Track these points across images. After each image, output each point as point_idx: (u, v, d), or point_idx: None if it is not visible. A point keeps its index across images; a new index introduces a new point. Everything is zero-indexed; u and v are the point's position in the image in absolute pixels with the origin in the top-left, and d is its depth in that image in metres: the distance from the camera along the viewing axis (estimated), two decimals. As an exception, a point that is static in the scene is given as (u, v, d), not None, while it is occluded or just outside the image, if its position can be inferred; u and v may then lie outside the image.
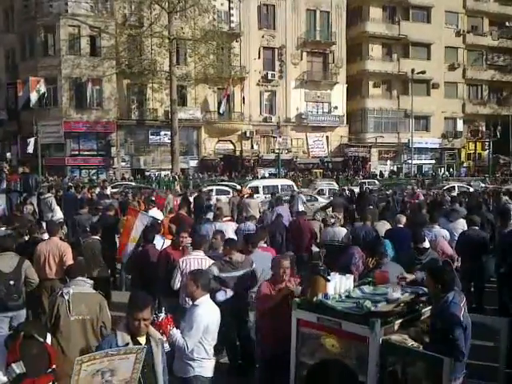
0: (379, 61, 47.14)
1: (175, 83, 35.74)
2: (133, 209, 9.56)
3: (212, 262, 6.60)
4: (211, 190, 22.36)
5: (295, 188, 23.52)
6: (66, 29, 36.26)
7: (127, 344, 3.38)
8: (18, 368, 2.63)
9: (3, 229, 8.92)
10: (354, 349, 4.36)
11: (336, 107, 46.14)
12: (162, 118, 39.19)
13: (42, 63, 36.33)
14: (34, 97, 34.76)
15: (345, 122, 46.79)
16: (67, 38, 36.40)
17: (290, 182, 26.06)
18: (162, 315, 4.40)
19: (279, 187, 24.19)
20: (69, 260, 7.00)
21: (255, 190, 22.69)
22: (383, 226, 9.85)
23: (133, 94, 39.66)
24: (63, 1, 36.08)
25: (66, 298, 4.60)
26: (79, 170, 37.47)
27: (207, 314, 4.66)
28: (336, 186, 28.20)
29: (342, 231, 9.25)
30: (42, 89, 35.03)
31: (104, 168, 38.05)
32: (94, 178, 35.07)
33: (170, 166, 36.33)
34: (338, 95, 46.23)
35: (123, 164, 39.05)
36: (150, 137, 39.67)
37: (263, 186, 24.91)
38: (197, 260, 6.48)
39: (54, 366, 2.72)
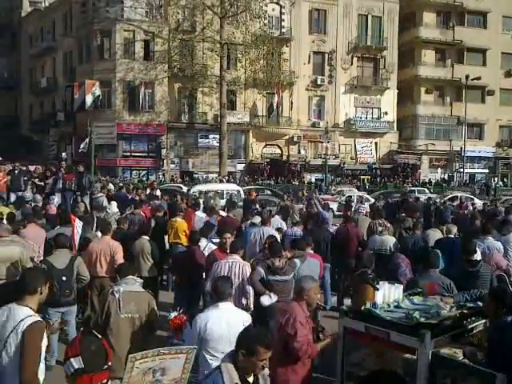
0: (432, 66, 46.13)
1: (225, 87, 36.18)
2: (190, 210, 9.72)
3: (246, 265, 6.60)
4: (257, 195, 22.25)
5: (242, 194, 21.61)
6: (121, 33, 37.32)
7: None
8: (76, 363, 2.71)
9: (58, 226, 9.24)
10: (402, 360, 4.26)
11: (386, 113, 45.45)
12: (211, 122, 39.71)
13: (97, 67, 37.54)
14: (89, 99, 35.83)
15: (395, 128, 46.00)
16: (122, 42, 37.44)
17: (237, 188, 23.93)
18: (173, 313, 4.45)
19: (224, 193, 21.88)
20: (119, 259, 7.17)
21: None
22: (434, 236, 9.62)
23: (183, 97, 40.36)
24: (119, 6, 37.12)
25: (117, 296, 4.71)
26: (130, 170, 38.43)
27: (204, 321, 4.56)
28: (358, 193, 27.74)
29: (389, 240, 9.07)
30: (97, 91, 36.06)
31: (154, 169, 38.86)
32: (144, 179, 35.84)
33: (218, 169, 36.75)
34: (389, 101, 45.51)
35: (172, 166, 39.77)
36: (199, 140, 40.24)
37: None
38: (228, 264, 6.46)
39: (110, 363, 2.79)
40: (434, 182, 42.72)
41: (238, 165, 41.52)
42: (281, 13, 42.15)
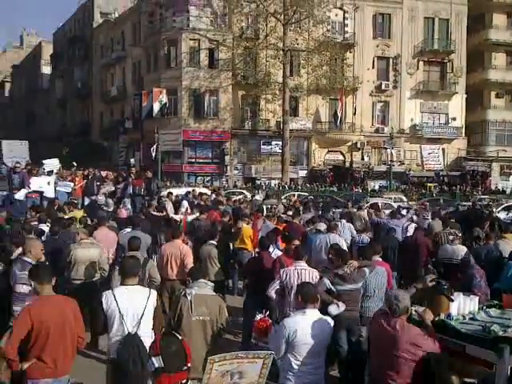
0: (503, 70, 44.20)
1: (288, 94, 36.31)
2: (256, 215, 9.84)
3: (314, 272, 6.57)
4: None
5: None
6: (187, 42, 38.32)
7: None
8: (157, 362, 2.83)
9: (129, 229, 9.61)
10: (478, 375, 4.13)
11: (454, 118, 43.97)
12: (274, 128, 39.92)
13: (164, 75, 38.71)
14: (156, 107, 37.16)
15: (463, 133, 44.41)
16: (188, 50, 38.42)
17: (204, 190, 23.00)
18: (259, 316, 4.49)
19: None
20: (190, 263, 7.37)
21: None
22: (504, 246, 9.20)
23: (247, 104, 40.84)
24: (185, 16, 38.14)
25: (189, 298, 4.84)
26: (195, 176, 39.24)
27: (293, 327, 4.61)
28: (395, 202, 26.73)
29: (461, 249, 8.77)
30: (164, 99, 37.31)
31: (218, 175, 39.51)
32: (208, 184, 36.49)
33: (280, 176, 36.86)
34: (457, 106, 44.01)
35: (235, 172, 40.29)
36: (262, 146, 40.54)
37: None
38: (297, 270, 6.45)
39: (189, 365, 2.89)
40: (506, 190, 40.76)
41: (301, 171, 41.47)
42: (344, 18, 41.86)
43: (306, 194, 28.73)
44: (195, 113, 38.97)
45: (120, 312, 4.77)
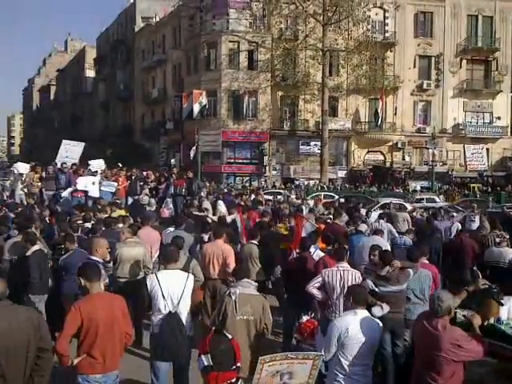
0: (551, 67, 42.68)
1: (327, 94, 36.09)
2: (300, 216, 9.84)
3: (357, 273, 6.52)
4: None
5: None
6: (226, 44, 38.62)
7: None
8: (206, 360, 2.88)
9: (172, 229, 9.76)
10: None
11: (499, 117, 42.76)
12: (313, 129, 39.76)
13: (204, 77, 39.13)
14: (196, 108, 37.63)
15: (508, 133, 43.07)
16: (227, 52, 38.71)
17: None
18: (305, 317, 4.47)
19: None
20: (232, 262, 7.42)
21: None
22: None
23: (285, 105, 40.82)
24: (225, 18, 38.46)
25: (233, 297, 4.90)
26: (234, 176, 39.50)
27: (345, 327, 4.62)
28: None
29: (509, 252, 8.53)
30: (204, 101, 37.74)
31: (256, 176, 39.63)
32: (247, 185, 36.66)
33: (319, 176, 36.67)
34: (502, 105, 42.79)
35: (274, 172, 40.33)
36: (301, 147, 40.45)
37: None
38: (339, 272, 6.41)
39: (238, 364, 2.92)
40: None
41: (340, 172, 41.16)
42: (384, 17, 41.35)
43: (333, 194, 28.45)
44: (234, 114, 39.23)
45: (162, 293, 5.25)
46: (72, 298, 7.70)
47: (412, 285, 6.54)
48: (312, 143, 39.94)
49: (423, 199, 28.24)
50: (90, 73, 69.87)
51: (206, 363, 2.86)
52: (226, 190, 25.19)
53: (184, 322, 5.22)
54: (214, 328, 3.23)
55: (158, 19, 49.38)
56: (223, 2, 38.23)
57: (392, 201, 20.17)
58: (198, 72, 40.08)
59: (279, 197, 25.13)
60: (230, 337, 3.02)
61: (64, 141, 17.63)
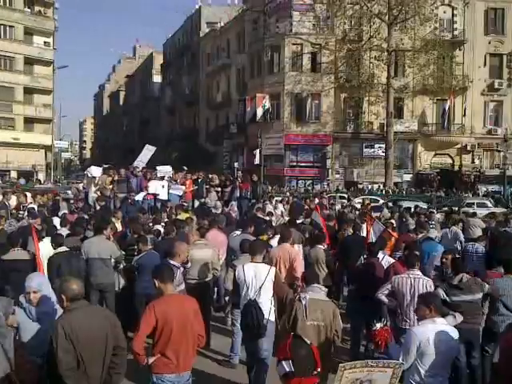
0: None
1: (392, 95, 35.34)
2: (370, 217, 9.69)
3: (428, 281, 6.32)
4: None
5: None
6: (289, 47, 38.69)
7: None
8: (287, 366, 2.90)
9: (238, 232, 9.88)
10: None
11: None
12: (377, 131, 39.06)
13: (267, 80, 39.37)
14: (259, 112, 37.94)
15: None
16: (290, 55, 38.77)
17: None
18: (379, 325, 4.39)
19: None
20: (299, 266, 7.42)
21: None
22: None
23: (349, 107, 40.36)
24: (288, 21, 38.55)
25: (303, 302, 4.90)
26: (296, 180, 39.45)
27: (425, 336, 4.49)
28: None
29: None
30: (267, 104, 38.00)
31: (319, 179, 39.37)
32: (309, 188, 36.51)
33: (383, 180, 35.95)
34: None
35: (337, 176, 39.92)
36: (365, 150, 39.85)
37: None
38: (410, 279, 6.22)
39: (318, 369, 2.94)
40: None
41: (405, 175, 40.20)
42: (453, 15, 40.07)
43: (379, 198, 27.61)
44: (297, 117, 39.21)
45: (246, 282, 5.91)
46: (143, 298, 8.00)
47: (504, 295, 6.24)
48: (376, 146, 39.25)
49: (473, 204, 26.91)
50: (157, 78, 72.06)
51: (287, 369, 2.87)
52: (288, 194, 25.19)
53: (263, 311, 5.78)
54: (292, 333, 3.25)
55: (222, 24, 50.21)
56: (287, 5, 38.35)
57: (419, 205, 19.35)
58: (261, 75, 40.39)
59: (343, 200, 24.88)
60: (308, 342, 3.03)
61: (147, 145, 18.21)
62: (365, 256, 7.79)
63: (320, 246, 8.85)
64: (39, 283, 4.69)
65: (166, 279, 4.66)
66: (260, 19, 41.23)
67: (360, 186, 37.94)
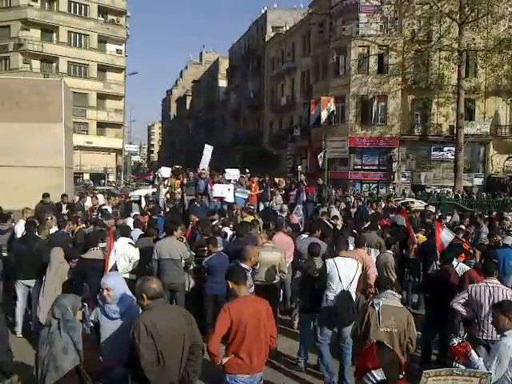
0: None
1: (463, 97, 34.07)
2: (439, 224, 9.44)
3: (508, 290, 6.03)
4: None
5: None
6: (356, 49, 38.21)
7: None
8: (378, 375, 2.88)
9: (305, 236, 9.88)
10: None
11: None
12: (446, 134, 37.82)
13: (332, 83, 39.06)
14: (324, 115, 37.69)
15: None
16: (357, 57, 38.28)
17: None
18: (455, 340, 4.25)
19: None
20: (372, 273, 7.32)
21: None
22: None
23: (417, 109, 39.30)
24: (355, 23, 38.09)
25: (377, 309, 4.84)
26: (360, 183, 38.85)
27: None
28: None
29: None
30: (332, 107, 37.68)
31: (384, 183, 38.59)
32: (374, 192, 35.85)
33: (452, 184, 34.71)
34: None
35: (403, 179, 38.96)
36: (433, 152, 38.67)
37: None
38: (489, 288, 5.98)
39: (403, 373, 2.91)
40: None
41: (476, 179, 38.65)
42: (528, 12, 38.01)
43: (421, 201, 26.12)
44: (362, 119, 38.62)
45: (339, 275, 6.47)
46: (212, 299, 8.19)
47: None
48: (445, 149, 37.99)
49: None
50: (223, 83, 73.30)
51: (379, 378, 2.85)
52: (353, 198, 24.81)
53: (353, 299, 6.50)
54: (375, 341, 3.22)
55: (287, 28, 50.34)
56: (353, 7, 37.91)
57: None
58: (326, 78, 40.14)
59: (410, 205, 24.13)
60: (390, 347, 3.00)
61: (206, 145, 18.55)
62: (437, 263, 7.56)
63: (389, 252, 8.68)
64: (114, 282, 4.83)
65: (239, 281, 4.74)
66: (326, 22, 41.00)
67: (428, 190, 36.80)
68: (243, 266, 6.68)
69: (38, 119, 13.49)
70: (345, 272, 6.49)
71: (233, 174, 17.15)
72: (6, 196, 11.97)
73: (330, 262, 6.62)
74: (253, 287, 7.15)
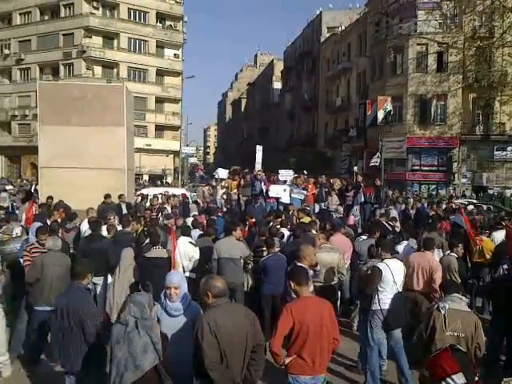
0: None
1: (528, 94, 32.65)
2: (507, 225, 9.11)
3: None
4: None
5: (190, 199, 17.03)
6: (414, 48, 37.35)
7: None
8: (459, 379, 2.83)
9: (364, 237, 9.77)
10: None
11: None
12: (510, 133, 36.33)
13: (389, 83, 38.35)
14: (380, 115, 37.03)
15: None
16: (415, 56, 37.40)
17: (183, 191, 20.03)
18: None
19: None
20: (438, 278, 7.12)
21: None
22: None
23: (478, 108, 37.93)
24: (413, 21, 37.23)
25: (443, 312, 4.71)
26: (419, 184, 37.91)
27: None
28: None
29: None
30: (389, 107, 36.96)
31: (443, 184, 37.49)
32: (434, 193, 34.87)
33: (517, 184, 33.33)
34: None
35: (464, 180, 37.68)
36: (495, 152, 37.20)
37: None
38: None
39: (478, 375, 2.85)
40: None
41: (542, 180, 36.86)
42: None
43: (479, 203, 24.56)
44: (421, 119, 37.69)
45: (393, 277, 6.50)
46: (269, 299, 8.23)
47: None
48: (509, 148, 36.57)
49: None
50: (277, 85, 73.48)
51: (460, 382, 2.79)
52: (411, 199, 24.22)
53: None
54: (448, 345, 3.14)
55: (343, 28, 49.87)
56: (411, 5, 37.06)
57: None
58: (383, 78, 39.46)
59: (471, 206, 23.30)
60: (464, 350, 2.93)
61: (258, 146, 18.80)
62: (505, 266, 7.28)
63: (453, 254, 8.44)
64: (180, 280, 4.90)
65: (301, 281, 4.73)
66: (382, 21, 40.31)
67: (490, 192, 35.42)
68: (302, 265, 6.67)
69: (102, 123, 14.00)
70: (397, 274, 6.54)
71: (287, 174, 17.16)
72: (71, 196, 12.51)
73: (382, 266, 6.56)
74: (312, 287, 7.13)
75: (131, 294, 5.17)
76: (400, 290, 6.54)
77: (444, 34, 36.82)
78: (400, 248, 9.62)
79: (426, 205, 16.91)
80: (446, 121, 37.16)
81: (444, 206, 16.84)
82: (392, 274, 6.49)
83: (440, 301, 4.98)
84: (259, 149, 19.03)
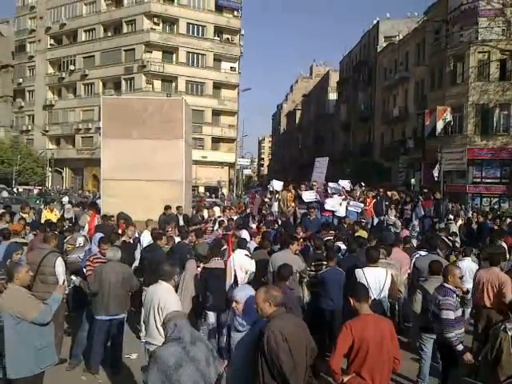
0: None
1: None
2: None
3: None
4: None
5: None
6: (475, 56, 36.23)
7: None
8: None
9: (423, 253, 9.53)
10: None
11: None
12: None
13: (449, 92, 37.31)
14: (439, 125, 36.09)
15: None
16: (476, 64, 36.26)
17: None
18: None
19: None
20: (508, 292, 6.88)
21: None
22: None
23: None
24: (474, 29, 36.14)
25: (510, 334, 4.52)
26: (480, 197, 36.54)
27: None
28: None
29: None
30: (448, 117, 35.97)
31: (507, 197, 35.93)
32: (496, 207, 33.49)
33: None
34: None
35: (530, 193, 35.99)
36: None
37: None
38: None
39: None
40: None
41: None
42: None
43: None
44: (482, 129, 36.36)
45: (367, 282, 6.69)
46: (328, 314, 8.15)
47: None
48: None
49: None
50: (333, 96, 73.08)
51: None
52: (474, 214, 23.40)
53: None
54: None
55: (400, 37, 49.07)
56: (472, 12, 36.00)
57: None
58: (442, 87, 38.45)
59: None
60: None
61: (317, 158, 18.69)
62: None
63: (495, 268, 8.05)
64: (244, 295, 4.72)
65: (361, 298, 4.67)
66: (442, 29, 39.32)
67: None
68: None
69: (162, 136, 14.37)
70: (373, 281, 6.98)
71: (342, 184, 16.85)
72: (133, 208, 12.87)
73: (358, 272, 7.06)
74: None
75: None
76: (376, 296, 6.82)
77: (507, 40, 35.50)
78: (463, 264, 9.32)
79: (489, 219, 16.27)
80: (510, 131, 35.71)
81: (509, 221, 16.20)
82: (366, 280, 6.86)
83: (507, 321, 4.77)
84: (321, 161, 18.92)
